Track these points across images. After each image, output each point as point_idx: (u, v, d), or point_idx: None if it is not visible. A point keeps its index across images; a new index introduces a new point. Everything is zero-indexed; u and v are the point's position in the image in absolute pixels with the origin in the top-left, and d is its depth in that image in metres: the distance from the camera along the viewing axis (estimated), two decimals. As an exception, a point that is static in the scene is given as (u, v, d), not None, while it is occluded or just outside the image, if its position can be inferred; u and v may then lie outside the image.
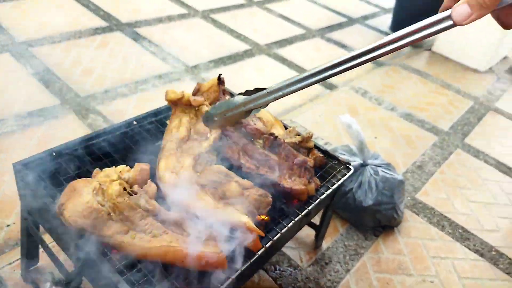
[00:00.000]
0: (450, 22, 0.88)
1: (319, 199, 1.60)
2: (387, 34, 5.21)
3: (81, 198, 1.21)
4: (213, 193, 1.38)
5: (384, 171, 2.36)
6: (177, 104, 1.62)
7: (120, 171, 1.39)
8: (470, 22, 0.81)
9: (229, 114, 1.45)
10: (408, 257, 2.22)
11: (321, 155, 1.72)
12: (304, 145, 1.67)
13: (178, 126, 1.57)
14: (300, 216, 1.50)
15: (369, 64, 4.40)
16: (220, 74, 1.88)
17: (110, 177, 1.34)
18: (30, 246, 1.64)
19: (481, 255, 2.32)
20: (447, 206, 2.62)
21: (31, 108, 2.73)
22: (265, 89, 1.34)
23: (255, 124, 1.65)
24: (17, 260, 1.76)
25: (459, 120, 3.63)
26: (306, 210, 1.54)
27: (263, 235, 1.33)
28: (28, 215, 1.51)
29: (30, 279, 1.69)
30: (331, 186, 1.68)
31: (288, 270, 2.02)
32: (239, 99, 1.38)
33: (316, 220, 2.11)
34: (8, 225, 1.96)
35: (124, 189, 1.32)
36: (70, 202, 1.21)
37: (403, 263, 2.18)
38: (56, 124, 2.66)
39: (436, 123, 3.50)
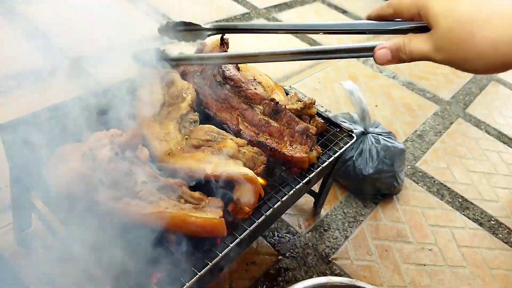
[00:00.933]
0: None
1: (320, 167, 1.55)
2: None
3: (70, 164, 1.15)
4: (212, 152, 1.33)
5: (385, 139, 2.31)
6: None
7: (112, 135, 1.32)
8: (390, 64, 0.82)
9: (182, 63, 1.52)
10: (407, 225, 2.21)
11: (323, 122, 1.65)
12: (306, 112, 1.60)
13: (150, 94, 1.49)
14: (301, 184, 1.46)
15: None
16: (223, 35, 1.78)
17: (101, 141, 1.28)
18: (21, 211, 1.59)
19: (480, 224, 2.32)
20: (446, 175, 2.60)
21: (20, 70, 2.63)
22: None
23: (255, 89, 1.57)
24: (10, 224, 1.72)
25: (461, 90, 3.56)
26: (307, 178, 1.49)
27: (262, 193, 1.29)
28: (17, 180, 1.45)
29: (23, 243, 1.65)
30: (333, 154, 1.62)
31: (286, 236, 2.00)
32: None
33: (316, 187, 2.08)
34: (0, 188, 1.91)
35: (116, 154, 1.26)
36: (59, 168, 1.15)
37: (402, 231, 2.17)
38: (47, 86, 2.56)
39: (438, 93, 3.43)
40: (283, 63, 3.39)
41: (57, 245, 1.33)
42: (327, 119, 1.76)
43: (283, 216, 2.09)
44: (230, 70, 1.58)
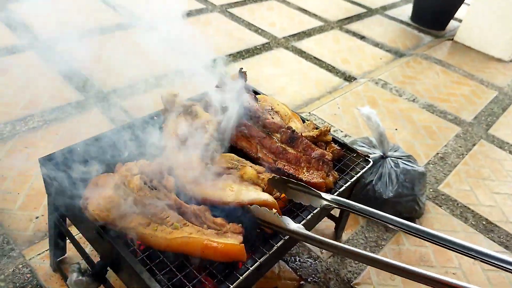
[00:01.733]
0: None
1: (337, 192, 1.60)
2: (408, 24, 5.12)
3: (104, 193, 1.25)
4: (233, 179, 1.41)
5: (404, 163, 2.34)
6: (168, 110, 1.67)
7: (141, 165, 1.43)
8: None
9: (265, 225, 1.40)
10: (430, 249, 2.20)
11: (339, 148, 1.71)
12: (322, 138, 1.67)
13: (175, 127, 1.60)
14: (317, 209, 1.51)
15: (388, 55, 4.34)
16: (241, 68, 1.90)
17: (131, 171, 1.38)
18: (57, 238, 1.70)
19: (506, 247, 2.28)
20: (470, 198, 2.58)
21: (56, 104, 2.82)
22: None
23: (272, 118, 1.66)
24: (46, 250, 1.84)
25: (483, 111, 3.54)
26: (325, 203, 1.54)
27: (280, 213, 1.35)
28: (55, 209, 1.57)
29: (58, 269, 1.75)
30: (350, 179, 1.67)
31: (308, 261, 2.04)
32: (287, 222, 1.31)
33: (336, 212, 2.12)
34: (37, 217, 2.04)
35: (145, 183, 1.36)
36: (93, 196, 1.26)
37: (425, 255, 2.16)
38: (80, 119, 2.74)
39: (459, 114, 3.43)
40: (302, 88, 3.49)
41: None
42: (343, 145, 1.82)
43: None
44: (249, 101, 1.68)
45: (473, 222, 2.40)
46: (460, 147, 3.04)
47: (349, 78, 3.79)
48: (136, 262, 1.21)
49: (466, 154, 2.96)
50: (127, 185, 1.31)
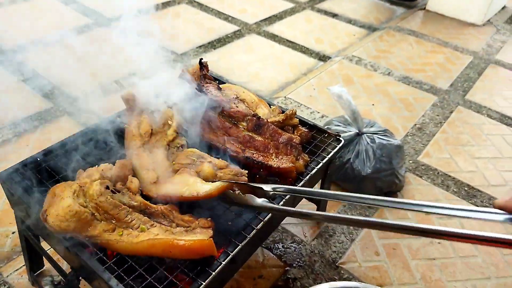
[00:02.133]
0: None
1: (309, 175, 1.58)
2: (378, -4, 5.06)
3: (62, 203, 1.21)
4: (189, 173, 1.37)
5: (380, 138, 2.32)
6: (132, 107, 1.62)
7: (102, 169, 1.39)
8: None
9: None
10: (413, 220, 2.20)
11: (306, 130, 1.68)
12: (289, 122, 1.64)
13: (137, 125, 1.55)
14: (289, 195, 1.48)
15: (362, 31, 4.30)
16: (201, 59, 1.85)
17: (92, 176, 1.34)
18: (31, 252, 1.66)
19: (488, 211, 2.28)
20: (450, 165, 2.58)
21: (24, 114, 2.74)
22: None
23: (237, 106, 1.62)
24: (23, 265, 1.80)
25: (459, 77, 3.53)
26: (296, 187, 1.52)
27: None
28: (22, 224, 1.52)
29: (36, 283, 1.72)
30: (321, 160, 1.65)
31: (292, 246, 2.02)
32: (253, 200, 1.31)
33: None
34: (13, 232, 1.99)
35: (107, 187, 1.32)
36: (51, 208, 1.22)
37: (408, 228, 2.15)
38: (50, 127, 2.67)
39: (435, 83, 3.42)
40: (277, 73, 3.45)
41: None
42: (313, 126, 1.79)
43: (287, 227, 2.11)
44: (212, 92, 1.63)
45: (455, 190, 2.41)
46: (438, 115, 3.03)
47: (323, 58, 3.75)
48: (102, 270, 1.18)
49: (444, 122, 2.96)
50: (86, 191, 1.27)
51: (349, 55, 3.76)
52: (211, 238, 1.22)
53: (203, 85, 1.68)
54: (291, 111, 1.64)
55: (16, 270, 1.81)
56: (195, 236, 1.23)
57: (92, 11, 4.16)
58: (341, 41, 4.06)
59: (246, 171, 1.39)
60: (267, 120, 1.59)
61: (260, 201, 1.30)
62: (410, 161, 2.59)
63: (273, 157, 1.53)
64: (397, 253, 2.02)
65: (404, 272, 1.93)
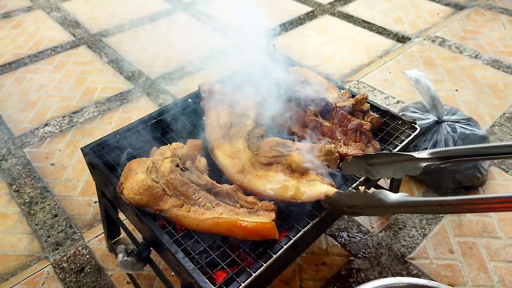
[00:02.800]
0: None
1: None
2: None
3: (136, 177, 1.29)
4: (284, 170, 1.36)
5: (463, 127, 2.14)
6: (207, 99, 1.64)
7: (174, 148, 1.45)
8: None
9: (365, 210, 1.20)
10: (495, 219, 2.01)
11: (378, 116, 1.59)
12: (359, 107, 1.56)
13: (217, 118, 1.57)
14: (357, 182, 1.43)
15: (447, 9, 3.95)
16: (272, 43, 1.82)
17: (164, 154, 1.40)
18: (109, 221, 1.80)
19: None
20: (544, 160, 2.30)
21: (108, 94, 2.95)
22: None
23: (304, 90, 1.58)
24: (102, 233, 1.96)
25: (562, 60, 3.12)
26: (364, 177, 1.46)
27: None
28: (102, 195, 1.65)
29: (113, 250, 1.87)
30: (393, 149, 1.56)
31: (358, 236, 1.97)
32: (387, 197, 1.09)
33: (386, 186, 2.01)
34: (95, 202, 2.18)
35: (177, 165, 1.37)
36: (127, 181, 1.30)
37: (489, 225, 1.98)
38: (131, 106, 2.85)
39: (531, 67, 3.05)
40: (350, 55, 3.32)
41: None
42: (385, 112, 1.69)
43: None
44: (280, 74, 1.61)
45: (547, 188, 2.15)
46: (532, 104, 2.71)
47: (402, 39, 3.52)
48: (171, 243, 1.24)
49: (540, 112, 2.64)
50: (158, 168, 1.34)
51: (431, 35, 3.49)
52: (273, 222, 1.22)
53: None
54: (361, 96, 1.57)
55: (96, 236, 1.98)
56: (258, 218, 1.24)
57: (170, -5, 4.30)
58: (423, 21, 3.77)
59: (335, 148, 1.37)
60: (335, 104, 1.53)
61: (397, 197, 1.05)
62: (496, 154, 2.36)
63: (341, 143, 1.48)
64: (473, 252, 1.87)
65: (480, 273, 1.79)
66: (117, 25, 3.79)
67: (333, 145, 1.44)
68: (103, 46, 3.50)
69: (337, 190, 1.28)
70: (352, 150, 1.45)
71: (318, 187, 1.31)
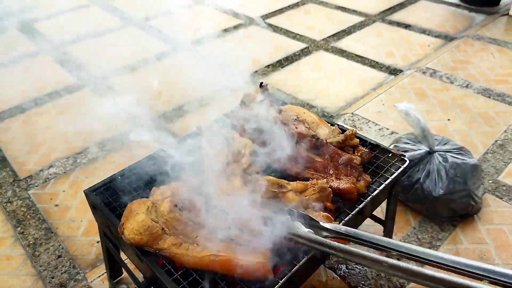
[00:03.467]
0: None
1: (370, 196, 1.56)
2: (457, 5, 4.81)
3: (137, 218, 1.35)
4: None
5: (454, 156, 2.20)
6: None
7: (173, 187, 1.52)
8: None
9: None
10: (491, 246, 2.04)
11: (367, 150, 1.66)
12: (348, 143, 1.64)
13: (212, 154, 1.64)
14: (350, 215, 1.48)
15: (437, 41, 4.10)
16: (261, 82, 1.92)
17: (164, 194, 1.47)
18: (111, 261, 1.84)
19: None
20: (537, 186, 2.35)
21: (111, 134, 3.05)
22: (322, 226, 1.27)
23: (296, 128, 1.66)
24: (105, 273, 1.99)
25: (550, 87, 3.21)
26: (358, 209, 1.51)
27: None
28: (104, 235, 1.70)
29: (115, 289, 1.90)
30: (384, 181, 1.62)
31: (356, 268, 1.99)
32: (304, 233, 1.24)
33: (382, 214, 2.05)
34: (98, 241, 2.22)
35: (176, 205, 1.43)
36: (127, 222, 1.36)
37: (486, 252, 2.00)
38: (133, 145, 2.93)
39: (520, 94, 3.14)
40: (344, 88, 3.43)
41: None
42: (375, 146, 1.76)
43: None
44: (271, 115, 1.70)
45: (542, 213, 2.19)
46: (523, 131, 2.78)
47: (394, 72, 3.65)
48: (169, 281, 1.28)
49: (531, 138, 2.71)
50: (158, 208, 1.40)
51: (422, 67, 3.62)
52: (267, 261, 1.27)
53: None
54: (350, 132, 1.64)
55: (99, 276, 2.01)
56: (253, 257, 1.28)
57: (162, 35, 4.49)
58: (414, 53, 3.92)
59: (327, 183, 1.43)
60: (326, 141, 1.60)
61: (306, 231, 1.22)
62: (490, 181, 2.41)
63: (332, 177, 1.54)
64: (472, 280, 1.88)
65: (480, 302, 1.79)
66: (119, 67, 3.95)
67: (325, 181, 1.51)
68: (107, 88, 3.64)
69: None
70: (343, 184, 1.51)
71: None
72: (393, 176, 1.63)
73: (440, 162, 2.18)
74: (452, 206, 2.13)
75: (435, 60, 3.72)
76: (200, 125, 1.78)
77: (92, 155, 2.86)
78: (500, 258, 1.97)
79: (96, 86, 3.68)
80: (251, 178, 1.60)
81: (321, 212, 1.41)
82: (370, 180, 1.59)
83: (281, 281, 1.27)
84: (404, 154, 1.73)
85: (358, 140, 1.68)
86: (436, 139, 2.32)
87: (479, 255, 1.99)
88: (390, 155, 1.75)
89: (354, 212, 1.50)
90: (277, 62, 3.92)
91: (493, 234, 2.09)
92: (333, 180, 1.53)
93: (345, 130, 1.73)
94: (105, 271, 1.97)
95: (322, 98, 3.35)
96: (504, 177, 2.43)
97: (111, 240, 1.67)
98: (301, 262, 1.32)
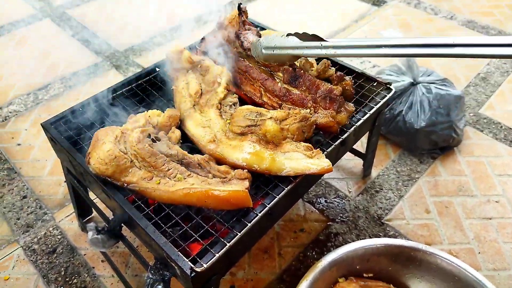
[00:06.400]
0: None
1: (354, 126, 1.47)
2: None
3: (103, 147, 1.22)
4: (258, 141, 1.31)
5: (438, 88, 2.12)
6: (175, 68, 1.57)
7: (149, 116, 1.38)
8: None
9: (277, 52, 1.41)
10: (470, 178, 2.03)
11: (349, 79, 1.53)
12: (324, 75, 1.51)
13: (186, 86, 1.50)
14: (332, 146, 1.39)
15: (422, -30, 3.87)
16: (240, 4, 1.73)
17: (138, 122, 1.33)
18: (79, 200, 1.73)
19: (559, 169, 2.06)
20: (517, 118, 2.33)
21: (74, 69, 2.81)
22: (321, 39, 1.30)
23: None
24: (73, 212, 1.89)
25: (535, 19, 3.12)
26: (340, 140, 1.42)
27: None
28: (68, 172, 1.57)
29: (85, 229, 1.81)
30: (368, 111, 1.53)
31: (335, 201, 1.96)
32: (292, 41, 1.36)
33: (363, 148, 1.99)
34: (65, 181, 2.09)
35: (149, 135, 1.30)
36: (94, 151, 1.23)
37: (464, 184, 2.00)
38: (99, 81, 2.72)
39: (504, 27, 3.04)
40: (325, 21, 3.24)
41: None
42: (360, 74, 1.65)
43: (331, 181, 2.04)
44: (248, 38, 1.54)
45: (520, 145, 2.18)
46: (505, 63, 2.71)
47: (378, 2, 3.45)
48: (140, 217, 1.19)
49: (513, 71, 2.65)
50: (127, 138, 1.27)
51: (406, -2, 3.43)
52: (247, 190, 1.18)
53: (241, 32, 1.58)
54: (323, 65, 1.51)
55: (67, 216, 1.91)
56: (231, 187, 1.20)
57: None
58: (397, -17, 3.70)
59: (310, 111, 1.36)
60: (303, 71, 1.47)
61: (297, 40, 1.33)
62: (471, 114, 2.37)
63: (311, 111, 1.43)
64: (449, 211, 1.89)
65: (456, 232, 1.81)
66: (80, -4, 3.59)
67: (308, 110, 1.40)
68: (67, 19, 3.31)
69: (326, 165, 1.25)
70: (321, 118, 1.40)
71: (301, 162, 1.26)
72: (378, 105, 1.54)
73: (423, 93, 2.10)
74: (434, 138, 2.08)
75: (420, -10, 3.53)
76: (169, 52, 1.61)
77: (55, 91, 2.65)
78: (479, 189, 1.97)
79: (57, 17, 3.34)
80: (228, 108, 1.48)
81: (301, 142, 1.32)
82: (354, 109, 1.49)
83: (259, 214, 1.20)
84: (390, 82, 1.62)
85: (332, 71, 1.55)
86: (420, 71, 2.22)
87: (457, 186, 1.99)
88: (375, 84, 1.64)
89: (336, 143, 1.41)
90: None
91: (473, 166, 2.08)
92: (312, 114, 1.42)
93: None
94: (74, 210, 1.87)
95: (301, 31, 3.15)
96: (485, 109, 2.39)
97: (75, 176, 1.55)
98: (281, 194, 1.24)
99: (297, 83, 1.44)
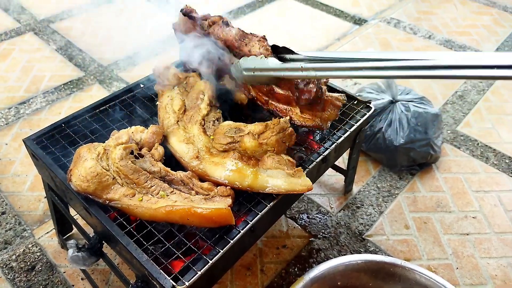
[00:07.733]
0: None
1: (335, 144, 1.50)
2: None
3: (85, 164, 1.22)
4: (240, 157, 1.33)
5: (416, 106, 2.19)
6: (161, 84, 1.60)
7: (132, 132, 1.38)
8: None
9: (257, 73, 1.41)
10: (448, 194, 2.09)
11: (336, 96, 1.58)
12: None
13: (170, 102, 1.52)
14: (314, 163, 1.42)
15: (402, -9, 4.01)
16: (182, 9, 1.73)
17: (121, 138, 1.34)
18: (59, 217, 1.71)
19: (532, 185, 2.13)
20: (492, 136, 2.41)
21: (57, 83, 2.79)
22: (292, 51, 1.34)
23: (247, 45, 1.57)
24: (53, 229, 1.86)
25: (507, 41, 3.25)
26: (322, 156, 1.46)
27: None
28: (49, 188, 1.56)
29: (65, 246, 1.78)
30: (349, 128, 1.57)
31: (317, 217, 1.98)
32: (272, 63, 1.37)
33: (344, 164, 2.02)
34: (45, 197, 2.06)
35: (132, 152, 1.31)
36: (75, 168, 1.23)
37: (442, 200, 2.05)
38: (82, 95, 2.71)
39: (480, 47, 3.16)
40: (308, 38, 3.31)
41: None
42: (341, 93, 1.69)
43: (313, 197, 2.06)
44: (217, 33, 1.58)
45: (495, 162, 2.25)
46: (481, 82, 2.82)
47: (359, 22, 3.55)
48: (121, 234, 1.18)
49: (488, 90, 2.75)
50: (109, 155, 1.27)
51: (387, 17, 3.54)
52: (230, 207, 1.19)
53: (205, 30, 1.60)
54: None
55: (47, 232, 1.88)
56: (214, 204, 1.21)
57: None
58: (379, 3, 3.82)
59: (288, 121, 1.37)
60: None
61: (277, 62, 1.34)
62: (449, 131, 2.44)
63: (297, 111, 1.47)
64: (428, 227, 1.93)
65: (434, 247, 1.85)
66: (66, 10, 3.58)
67: (287, 118, 1.41)
68: (51, 32, 3.30)
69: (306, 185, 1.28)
70: (307, 120, 1.45)
71: (283, 181, 1.28)
72: (358, 123, 1.58)
73: (402, 111, 2.16)
74: (412, 155, 2.14)
75: (400, 10, 3.65)
76: (156, 67, 1.63)
77: (36, 105, 2.62)
78: (456, 205, 2.02)
79: (40, 31, 3.33)
80: (211, 124, 1.50)
81: (283, 156, 1.34)
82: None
83: (242, 231, 1.21)
84: (370, 100, 1.67)
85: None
86: (398, 89, 2.29)
87: (436, 202, 2.04)
88: (355, 102, 1.69)
89: (318, 160, 1.44)
90: (239, 9, 3.70)
91: (450, 182, 2.14)
92: (296, 114, 1.46)
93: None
94: (54, 227, 1.84)
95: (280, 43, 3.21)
96: (463, 127, 2.47)
97: (57, 193, 1.53)
98: (263, 211, 1.26)
99: (279, 84, 1.48)
